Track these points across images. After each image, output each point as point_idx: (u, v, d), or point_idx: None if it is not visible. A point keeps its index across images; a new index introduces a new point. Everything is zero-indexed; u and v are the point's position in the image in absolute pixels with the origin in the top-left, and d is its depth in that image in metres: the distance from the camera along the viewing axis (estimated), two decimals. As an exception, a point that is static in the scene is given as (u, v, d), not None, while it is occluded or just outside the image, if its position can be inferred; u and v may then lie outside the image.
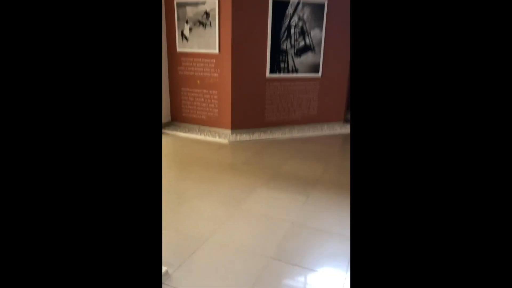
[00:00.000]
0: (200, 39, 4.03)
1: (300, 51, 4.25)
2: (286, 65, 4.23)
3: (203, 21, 3.95)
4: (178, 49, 4.19)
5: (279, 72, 4.23)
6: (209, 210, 2.38)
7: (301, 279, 1.73)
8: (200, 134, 4.21)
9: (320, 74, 4.43)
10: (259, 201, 2.53)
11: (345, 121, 4.85)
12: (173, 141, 4.00)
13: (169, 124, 4.56)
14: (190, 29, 4.04)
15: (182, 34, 4.11)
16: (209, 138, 4.11)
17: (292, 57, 4.23)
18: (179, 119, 4.53)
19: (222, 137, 4.13)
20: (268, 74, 4.17)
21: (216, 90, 4.16)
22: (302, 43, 4.23)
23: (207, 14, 3.89)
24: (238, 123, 4.22)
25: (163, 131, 4.29)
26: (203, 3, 3.86)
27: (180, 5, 4.00)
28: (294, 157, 3.57)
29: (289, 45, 4.17)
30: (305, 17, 4.12)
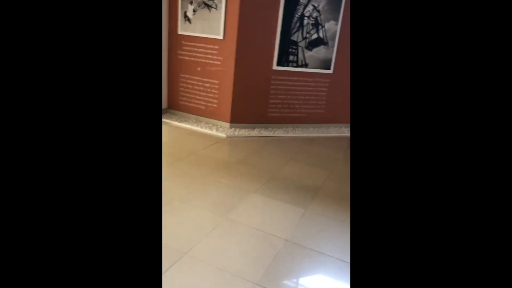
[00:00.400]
0: (204, 22, 3.69)
1: (312, 44, 3.91)
2: (295, 58, 3.90)
3: (208, 3, 3.61)
4: (180, 31, 3.86)
5: (287, 65, 3.90)
6: (193, 217, 2.10)
7: (290, 315, 1.45)
8: (197, 126, 3.91)
9: (331, 70, 4.10)
10: (251, 211, 2.24)
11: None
12: (167, 131, 3.71)
13: (165, 112, 4.26)
14: (194, 11, 3.71)
15: (185, 16, 3.78)
16: (205, 130, 3.81)
17: (302, 50, 3.89)
18: (175, 107, 4.23)
19: (220, 130, 3.83)
20: (274, 66, 3.84)
21: (217, 79, 3.84)
22: (314, 36, 3.89)
23: (213, -5, 3.55)
24: (238, 117, 3.92)
25: (158, 118, 4.00)
26: (210, -18, 3.52)
27: (185, -17, 3.66)
28: (295, 159, 3.27)
29: (300, 37, 3.83)
30: (320, 7, 3.77)
